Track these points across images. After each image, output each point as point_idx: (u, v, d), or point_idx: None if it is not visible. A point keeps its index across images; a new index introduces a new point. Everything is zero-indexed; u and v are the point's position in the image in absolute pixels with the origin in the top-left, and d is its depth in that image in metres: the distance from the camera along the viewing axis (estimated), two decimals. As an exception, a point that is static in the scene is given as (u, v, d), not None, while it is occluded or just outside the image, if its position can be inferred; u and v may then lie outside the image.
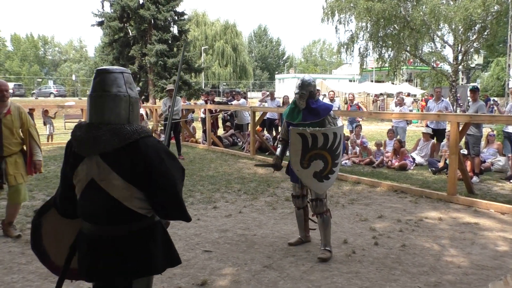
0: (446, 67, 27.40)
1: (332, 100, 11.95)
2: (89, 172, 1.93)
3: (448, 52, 27.58)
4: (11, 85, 38.74)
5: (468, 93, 10.66)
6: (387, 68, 28.18)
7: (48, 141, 13.51)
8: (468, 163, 7.38)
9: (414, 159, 8.96)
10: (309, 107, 3.93)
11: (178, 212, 2.00)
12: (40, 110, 15.40)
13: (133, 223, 1.96)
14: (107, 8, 27.68)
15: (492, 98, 20.20)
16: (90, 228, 1.97)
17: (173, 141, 9.83)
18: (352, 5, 23.55)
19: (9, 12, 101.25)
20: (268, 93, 13.28)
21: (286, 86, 47.45)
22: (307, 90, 3.94)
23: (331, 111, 4.00)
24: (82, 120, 13.56)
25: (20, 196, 4.56)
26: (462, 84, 30.18)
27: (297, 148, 3.77)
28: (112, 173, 1.89)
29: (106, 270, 1.94)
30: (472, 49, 24.03)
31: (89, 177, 1.93)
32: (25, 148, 4.57)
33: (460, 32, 22.42)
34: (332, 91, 12.44)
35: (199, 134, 13.54)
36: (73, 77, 54.46)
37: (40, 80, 53.76)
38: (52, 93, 37.05)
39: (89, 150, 1.90)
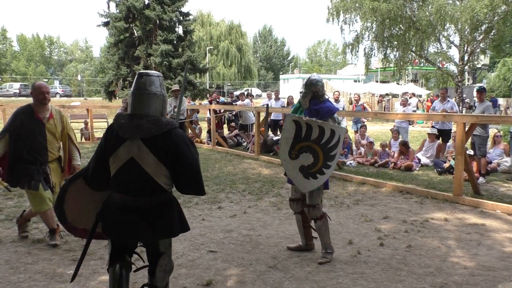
0: (452, 68, 27.25)
1: (337, 100, 11.92)
2: (130, 152, 2.40)
3: (454, 53, 27.44)
4: (17, 85, 39.10)
5: (475, 93, 10.59)
6: (392, 69, 28.11)
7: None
8: (474, 164, 7.34)
9: (419, 159, 8.93)
10: (311, 108, 3.85)
11: (197, 186, 2.50)
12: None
13: (159, 195, 2.46)
14: (113, 9, 27.83)
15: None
16: (123, 198, 2.44)
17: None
18: (357, 5, 23.49)
19: (16, 13, 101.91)
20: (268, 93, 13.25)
21: (291, 87, 47.41)
22: (310, 90, 3.86)
23: (335, 114, 3.87)
24: (88, 120, 13.68)
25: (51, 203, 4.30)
26: (468, 84, 30.03)
27: (289, 136, 3.58)
28: (150, 154, 2.38)
29: (137, 231, 2.43)
30: (478, 49, 23.90)
31: (129, 155, 2.40)
32: (61, 152, 4.42)
33: (466, 32, 22.31)
34: (337, 91, 12.40)
35: (203, 134, 13.56)
36: (79, 77, 54.77)
37: (46, 80, 54.01)
38: (58, 93, 37.28)
39: (132, 135, 2.40)
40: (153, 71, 2.57)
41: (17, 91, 37.50)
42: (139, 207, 2.42)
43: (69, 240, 4.36)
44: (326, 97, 4.10)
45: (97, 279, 3.48)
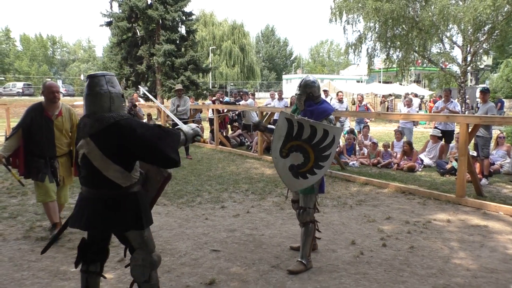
0: (455, 68, 27.18)
1: (340, 100, 11.91)
2: (82, 148, 2.60)
3: (457, 53, 27.43)
4: (20, 84, 39.22)
5: (478, 94, 10.56)
6: (395, 69, 28.03)
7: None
8: (477, 165, 7.32)
9: (422, 160, 8.91)
10: (305, 109, 3.80)
11: (163, 159, 2.56)
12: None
13: (111, 190, 2.60)
14: (116, 9, 27.88)
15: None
16: (83, 189, 2.69)
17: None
18: (360, 5, 23.44)
19: (19, 13, 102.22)
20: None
21: (294, 87, 47.38)
22: (305, 92, 3.81)
23: (331, 115, 3.80)
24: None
25: (62, 198, 4.63)
26: (471, 85, 29.94)
27: (281, 134, 3.53)
28: (96, 149, 2.55)
29: (90, 221, 2.60)
30: (481, 50, 23.80)
31: (82, 151, 2.61)
32: (72, 148, 4.61)
33: (469, 32, 22.23)
34: (341, 91, 12.38)
35: (206, 134, 13.58)
36: (82, 77, 54.88)
37: (49, 79, 54.18)
38: (61, 92, 37.35)
39: (81, 133, 2.63)
40: (100, 72, 2.73)
41: (20, 90, 37.62)
42: (94, 199, 2.62)
43: (73, 238, 4.38)
44: (324, 98, 4.02)
45: (101, 278, 3.49)
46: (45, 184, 4.37)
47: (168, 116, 12.36)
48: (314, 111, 3.73)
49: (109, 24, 27.81)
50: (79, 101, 27.40)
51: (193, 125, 2.85)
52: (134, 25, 27.78)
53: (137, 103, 11.59)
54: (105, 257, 2.88)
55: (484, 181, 7.20)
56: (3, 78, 52.41)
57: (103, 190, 2.61)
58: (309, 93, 3.80)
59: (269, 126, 4.16)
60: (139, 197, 2.70)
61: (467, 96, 23.97)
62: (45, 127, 4.38)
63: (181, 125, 2.87)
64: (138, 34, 28.19)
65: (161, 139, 2.55)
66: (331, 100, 13.79)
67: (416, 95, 24.76)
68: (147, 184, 2.86)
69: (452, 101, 9.43)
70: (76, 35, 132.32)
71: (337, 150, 9.36)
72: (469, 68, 24.79)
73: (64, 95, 36.55)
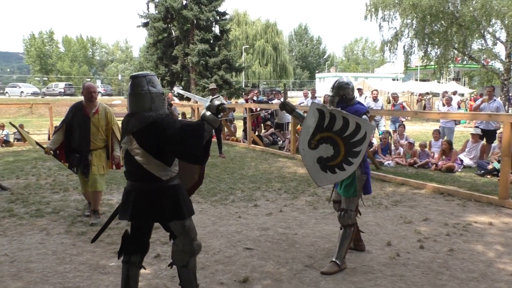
0: (498, 65, 26.01)
1: (375, 99, 11.68)
2: (126, 144, 2.84)
3: (500, 49, 26.22)
4: (62, 84, 40.87)
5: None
6: (433, 66, 27.17)
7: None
8: (522, 166, 6.98)
9: (462, 161, 8.60)
10: None
11: (191, 160, 2.80)
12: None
13: (152, 182, 2.78)
14: (152, 10, 28.49)
15: None
16: (128, 183, 2.90)
17: (214, 139, 9.97)
18: (397, 1, 22.87)
19: (62, 15, 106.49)
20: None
21: (327, 85, 46.86)
22: (338, 93, 3.72)
23: (364, 115, 3.62)
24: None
25: (97, 184, 5.01)
26: (515, 82, 28.53)
27: (310, 125, 3.43)
28: (137, 146, 2.77)
29: (133, 212, 2.80)
30: (527, 45, 22.67)
31: (125, 148, 2.84)
32: (108, 143, 5.14)
33: (513, 28, 21.22)
34: (376, 90, 12.11)
35: (239, 133, 13.67)
36: (119, 77, 56.54)
37: (89, 79, 56.17)
38: (99, 92, 38.67)
39: (125, 130, 2.85)
40: (142, 72, 2.93)
41: (62, 90, 39.18)
42: (137, 191, 2.81)
43: (111, 233, 4.53)
44: (358, 96, 3.94)
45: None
46: (79, 176, 5.07)
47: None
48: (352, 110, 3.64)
49: (145, 25, 28.47)
50: (117, 101, 28.27)
51: (212, 100, 2.83)
52: (169, 25, 28.31)
53: (172, 102, 11.82)
54: (145, 250, 3.03)
55: (529, 183, 6.85)
56: (46, 79, 54.79)
57: (145, 183, 2.80)
58: (342, 95, 3.72)
59: (298, 110, 4.08)
60: (179, 189, 2.87)
61: (510, 94, 22.89)
62: (83, 124, 4.89)
63: (203, 103, 2.98)
64: (173, 34, 28.71)
65: (188, 138, 2.69)
66: (365, 99, 13.55)
67: (455, 93, 23.90)
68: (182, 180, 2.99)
69: (495, 100, 9.03)
70: (115, 36, 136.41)
71: (371, 149, 9.27)
72: (513, 64, 23.65)
73: (102, 95, 37.84)
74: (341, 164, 3.39)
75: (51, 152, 4.93)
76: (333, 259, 3.66)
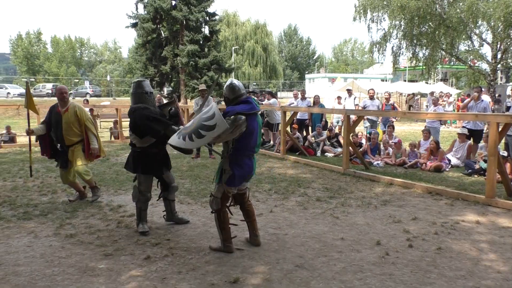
0: (484, 66, 26.42)
1: (371, 98, 11.74)
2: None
3: (487, 50, 26.62)
4: (49, 85, 40.41)
5: (508, 91, 10.24)
6: (421, 67, 27.47)
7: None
8: (508, 165, 7.10)
9: (449, 160, 8.71)
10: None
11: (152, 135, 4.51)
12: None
13: (133, 147, 4.63)
14: (141, 10, 28.35)
15: None
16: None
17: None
18: (385, 3, 23.12)
19: (50, 15, 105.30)
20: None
21: (317, 86, 47.07)
22: (223, 96, 4.26)
23: (233, 116, 3.84)
24: (117, 119, 14.01)
25: (82, 175, 5.73)
26: (500, 83, 29.02)
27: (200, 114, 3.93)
28: (129, 123, 4.55)
29: (127, 165, 4.81)
30: (512, 47, 23.07)
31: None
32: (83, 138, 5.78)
33: (499, 29, 21.58)
34: (372, 89, 12.15)
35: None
36: (108, 78, 56.03)
37: (77, 80, 55.62)
38: (88, 93, 38.31)
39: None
40: (137, 79, 4.08)
41: (50, 91, 38.71)
42: (131, 152, 4.75)
43: (101, 235, 4.49)
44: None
45: (128, 274, 3.57)
46: (59, 169, 5.88)
47: (191, 115, 12.48)
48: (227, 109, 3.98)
49: (134, 25, 28.31)
50: (106, 102, 28.05)
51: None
52: (158, 26, 28.19)
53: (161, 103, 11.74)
54: (166, 189, 4.88)
55: (515, 182, 6.97)
56: (33, 80, 54.10)
57: (133, 148, 4.63)
58: (226, 97, 4.17)
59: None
60: (147, 154, 4.57)
61: (497, 95, 23.25)
62: (56, 121, 5.62)
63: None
64: (163, 35, 28.59)
65: (149, 121, 4.32)
66: (355, 99, 13.63)
67: (449, 95, 23.98)
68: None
69: (482, 100, 9.15)
70: (103, 36, 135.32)
71: (361, 149, 9.34)
72: (499, 65, 24.05)
73: (91, 96, 37.48)
74: (191, 134, 3.77)
75: (32, 133, 5.65)
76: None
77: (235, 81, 4.20)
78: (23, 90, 39.83)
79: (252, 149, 4.05)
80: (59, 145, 5.77)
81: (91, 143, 5.74)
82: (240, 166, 3.99)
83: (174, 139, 3.92)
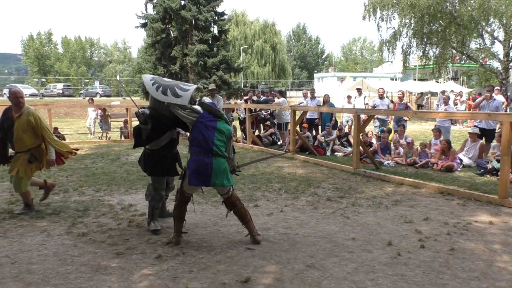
0: (496, 64, 26.09)
1: (381, 97, 11.68)
2: None
3: (498, 49, 26.26)
4: (60, 85, 40.84)
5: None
6: (431, 66, 27.23)
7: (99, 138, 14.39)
8: (521, 165, 6.99)
9: (461, 160, 8.61)
10: None
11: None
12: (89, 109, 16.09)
13: (145, 148, 4.76)
14: (150, 10, 28.49)
15: None
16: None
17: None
18: (395, 1, 22.94)
19: (61, 16, 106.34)
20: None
21: (325, 85, 46.88)
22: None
23: (196, 107, 4.39)
24: (127, 119, 14.09)
25: (17, 186, 5.29)
26: (513, 82, 28.58)
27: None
28: None
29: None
30: (525, 45, 22.75)
31: None
32: (43, 147, 5.33)
33: (511, 27, 21.29)
34: (382, 88, 12.11)
35: (238, 133, 13.66)
36: (118, 78, 56.41)
37: (87, 80, 56.07)
38: (98, 93, 38.59)
39: None
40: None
41: (60, 91, 39.10)
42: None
43: (112, 234, 4.53)
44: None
45: (140, 272, 3.59)
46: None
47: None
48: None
49: (144, 25, 28.47)
50: (116, 101, 28.23)
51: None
52: (168, 26, 28.31)
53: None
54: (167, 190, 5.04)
55: (528, 182, 6.87)
56: (44, 80, 54.69)
57: (144, 148, 4.78)
58: (194, 101, 4.59)
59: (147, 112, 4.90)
60: (156, 157, 4.70)
61: (509, 93, 22.96)
62: (7, 126, 5.18)
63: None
64: (172, 35, 28.71)
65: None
66: (364, 98, 13.55)
67: (461, 94, 23.73)
68: None
69: (495, 99, 9.03)
70: (113, 37, 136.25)
71: (371, 149, 9.29)
72: (511, 64, 23.73)
73: (101, 96, 37.81)
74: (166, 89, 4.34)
75: None
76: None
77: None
78: (34, 91, 40.37)
79: (206, 146, 4.05)
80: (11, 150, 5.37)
81: (48, 154, 5.36)
82: (191, 164, 4.07)
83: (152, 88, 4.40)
